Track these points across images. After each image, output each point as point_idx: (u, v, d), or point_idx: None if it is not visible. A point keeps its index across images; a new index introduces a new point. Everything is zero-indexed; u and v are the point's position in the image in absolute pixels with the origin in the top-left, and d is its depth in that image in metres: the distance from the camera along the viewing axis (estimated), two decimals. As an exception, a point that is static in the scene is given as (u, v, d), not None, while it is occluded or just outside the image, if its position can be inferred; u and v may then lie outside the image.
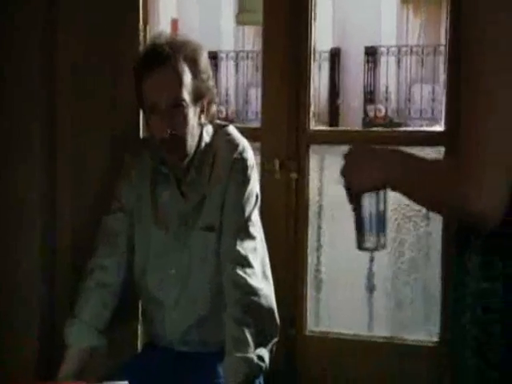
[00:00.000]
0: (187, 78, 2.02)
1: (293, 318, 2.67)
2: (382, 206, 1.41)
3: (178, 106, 2.01)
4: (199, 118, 2.09)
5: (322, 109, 12.92)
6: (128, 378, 2.01)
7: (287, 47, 2.58)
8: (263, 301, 2.07)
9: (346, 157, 1.40)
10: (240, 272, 2.03)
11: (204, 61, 2.08)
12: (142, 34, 2.56)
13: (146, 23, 2.59)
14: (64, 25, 2.56)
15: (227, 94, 14.53)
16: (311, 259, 2.70)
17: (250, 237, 2.09)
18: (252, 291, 2.04)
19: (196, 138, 2.10)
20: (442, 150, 2.52)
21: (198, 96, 2.06)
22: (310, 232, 2.68)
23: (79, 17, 2.55)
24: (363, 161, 1.38)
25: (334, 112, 13.75)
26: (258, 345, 2.00)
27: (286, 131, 2.62)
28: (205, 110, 2.10)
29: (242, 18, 14.59)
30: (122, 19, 2.54)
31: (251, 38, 14.88)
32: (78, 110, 2.56)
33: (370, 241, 1.42)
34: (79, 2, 2.56)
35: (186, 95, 2.02)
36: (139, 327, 2.56)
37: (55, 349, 2.41)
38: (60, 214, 2.60)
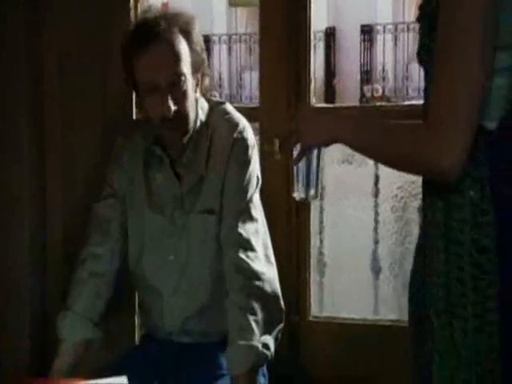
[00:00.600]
0: (184, 51, 1.95)
1: (296, 303, 2.60)
2: (315, 163, 1.57)
3: (179, 81, 1.93)
4: (195, 91, 2.02)
5: (317, 89, 12.81)
6: (126, 372, 1.93)
7: (285, 23, 2.52)
8: (267, 286, 2.00)
9: (299, 114, 1.54)
10: (242, 256, 1.96)
11: (197, 32, 2.01)
12: (132, 16, 2.49)
13: (136, 7, 2.51)
14: (51, 23, 2.51)
15: (220, 78, 14.45)
16: (314, 242, 2.62)
17: (252, 219, 2.02)
18: (255, 276, 1.97)
19: (194, 113, 2.03)
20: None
21: (194, 69, 1.99)
22: (312, 214, 2.60)
23: (67, 15, 2.50)
24: (315, 117, 1.51)
25: (330, 93, 13.65)
26: (262, 332, 1.93)
27: (286, 110, 2.54)
28: (199, 83, 2.04)
29: (234, -1, 14.47)
30: (112, 15, 2.48)
31: (244, 21, 14.75)
32: (68, 110, 2.53)
33: (303, 191, 1.60)
34: (67, 0, 2.51)
35: (185, 69, 1.95)
36: (136, 318, 2.49)
37: (48, 346, 2.38)
38: (50, 212, 2.57)
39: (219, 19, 14.84)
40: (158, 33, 1.91)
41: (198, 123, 2.05)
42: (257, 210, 2.05)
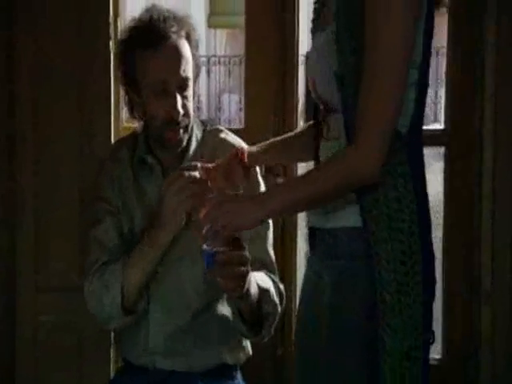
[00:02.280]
0: (190, 58, 1.94)
1: (280, 335, 2.53)
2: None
3: (186, 86, 1.92)
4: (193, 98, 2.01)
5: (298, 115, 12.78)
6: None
7: (271, 45, 2.51)
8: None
9: (218, 202, 1.55)
10: (276, 280, 1.99)
11: (196, 39, 1.98)
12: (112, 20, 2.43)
13: (116, 12, 2.46)
14: (25, 27, 2.41)
15: (198, 101, 14.32)
16: (299, 272, 2.52)
17: (271, 246, 2.04)
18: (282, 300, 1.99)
19: (193, 120, 2.01)
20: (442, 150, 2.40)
21: (195, 75, 1.97)
22: (298, 242, 2.55)
23: (42, 19, 2.41)
24: (235, 203, 1.56)
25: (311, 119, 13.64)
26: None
27: (272, 132, 2.49)
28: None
29: (213, 21, 14.40)
30: (90, 19, 2.41)
31: (223, 42, 14.72)
32: (42, 118, 2.43)
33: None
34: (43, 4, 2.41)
35: (190, 74, 1.93)
36: (112, 351, 2.38)
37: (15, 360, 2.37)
38: (20, 231, 2.45)
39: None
40: (168, 34, 1.89)
41: (194, 142, 2.01)
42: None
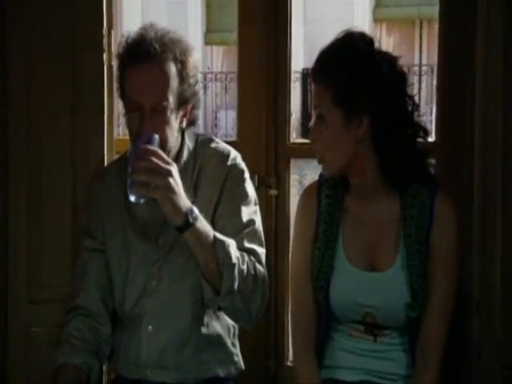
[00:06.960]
0: (174, 82, 1.90)
1: (274, 347, 2.54)
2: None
3: (162, 110, 1.88)
4: (181, 121, 1.97)
5: (293, 131, 12.78)
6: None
7: (264, 61, 2.55)
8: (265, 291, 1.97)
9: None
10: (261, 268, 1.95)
11: (193, 64, 1.96)
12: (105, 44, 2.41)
13: (109, 35, 2.43)
14: (16, 36, 2.38)
15: (193, 124, 14.34)
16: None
17: (262, 244, 2.01)
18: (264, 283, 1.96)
19: (176, 141, 1.98)
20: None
21: (183, 101, 1.94)
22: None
23: (33, 28, 2.38)
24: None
25: (306, 135, 13.64)
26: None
27: (265, 144, 2.54)
28: (188, 114, 1.99)
29: (210, 38, 14.45)
30: (83, 44, 2.39)
31: (220, 59, 14.74)
32: (35, 144, 2.41)
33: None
34: (34, 9, 2.38)
35: (172, 100, 1.90)
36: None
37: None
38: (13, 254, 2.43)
39: (194, 57, 14.79)
40: (149, 56, 1.87)
41: (186, 153, 2.01)
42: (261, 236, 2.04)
